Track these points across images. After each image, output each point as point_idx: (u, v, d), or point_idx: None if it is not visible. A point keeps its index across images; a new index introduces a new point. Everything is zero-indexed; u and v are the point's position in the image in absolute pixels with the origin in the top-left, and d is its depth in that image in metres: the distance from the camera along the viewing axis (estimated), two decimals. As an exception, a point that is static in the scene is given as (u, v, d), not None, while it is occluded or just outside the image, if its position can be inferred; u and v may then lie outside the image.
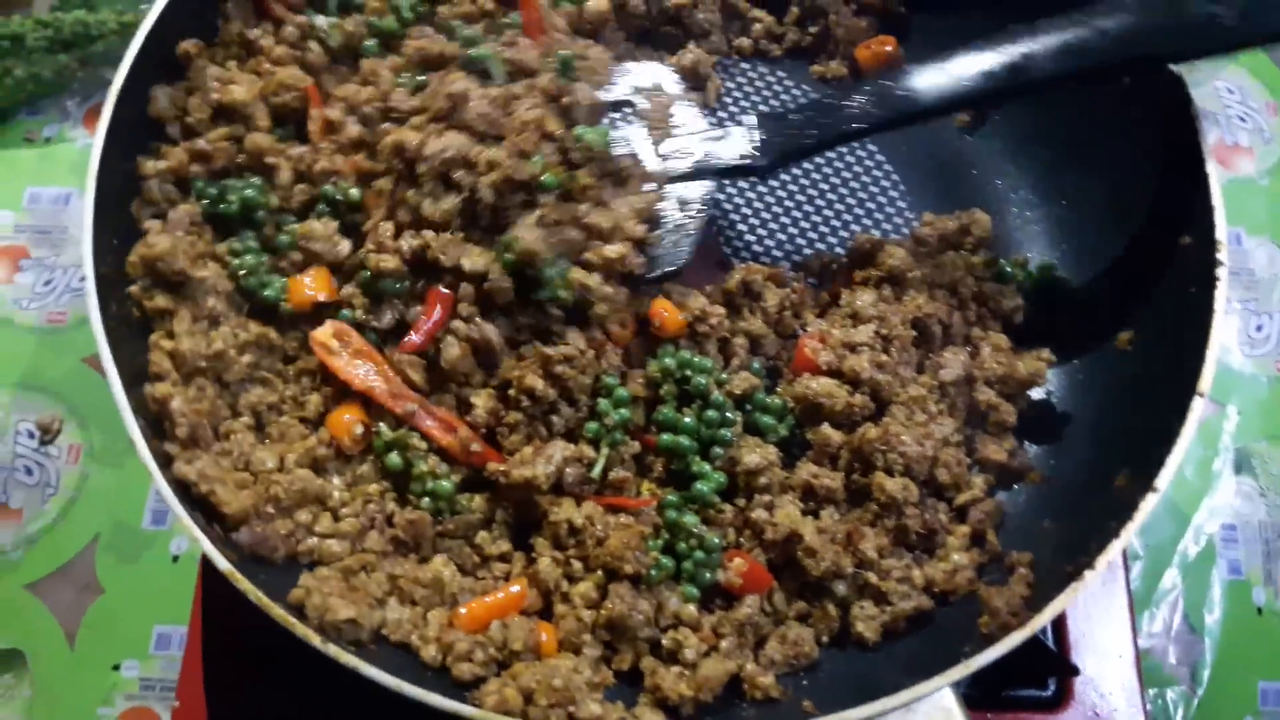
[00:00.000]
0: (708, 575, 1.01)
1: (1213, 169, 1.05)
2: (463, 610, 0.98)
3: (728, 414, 1.08)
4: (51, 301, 1.46)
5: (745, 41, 1.39)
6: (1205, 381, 0.95)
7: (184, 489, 0.96)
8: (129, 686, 1.23)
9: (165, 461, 0.96)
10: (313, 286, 1.10)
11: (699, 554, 1.01)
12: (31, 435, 1.36)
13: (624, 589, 0.99)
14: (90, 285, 0.97)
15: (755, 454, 1.06)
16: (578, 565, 1.02)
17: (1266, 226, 1.56)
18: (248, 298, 1.10)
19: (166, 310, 1.05)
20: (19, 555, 1.30)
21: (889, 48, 1.35)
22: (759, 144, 1.13)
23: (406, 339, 1.06)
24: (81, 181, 1.49)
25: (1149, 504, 0.91)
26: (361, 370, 1.06)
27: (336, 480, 1.05)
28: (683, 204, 1.13)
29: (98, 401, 1.38)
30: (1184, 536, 1.36)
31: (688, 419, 1.07)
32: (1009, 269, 1.19)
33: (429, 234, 1.07)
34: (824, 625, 1.02)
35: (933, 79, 1.09)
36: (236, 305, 1.10)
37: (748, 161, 1.13)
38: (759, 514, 1.04)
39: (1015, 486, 1.11)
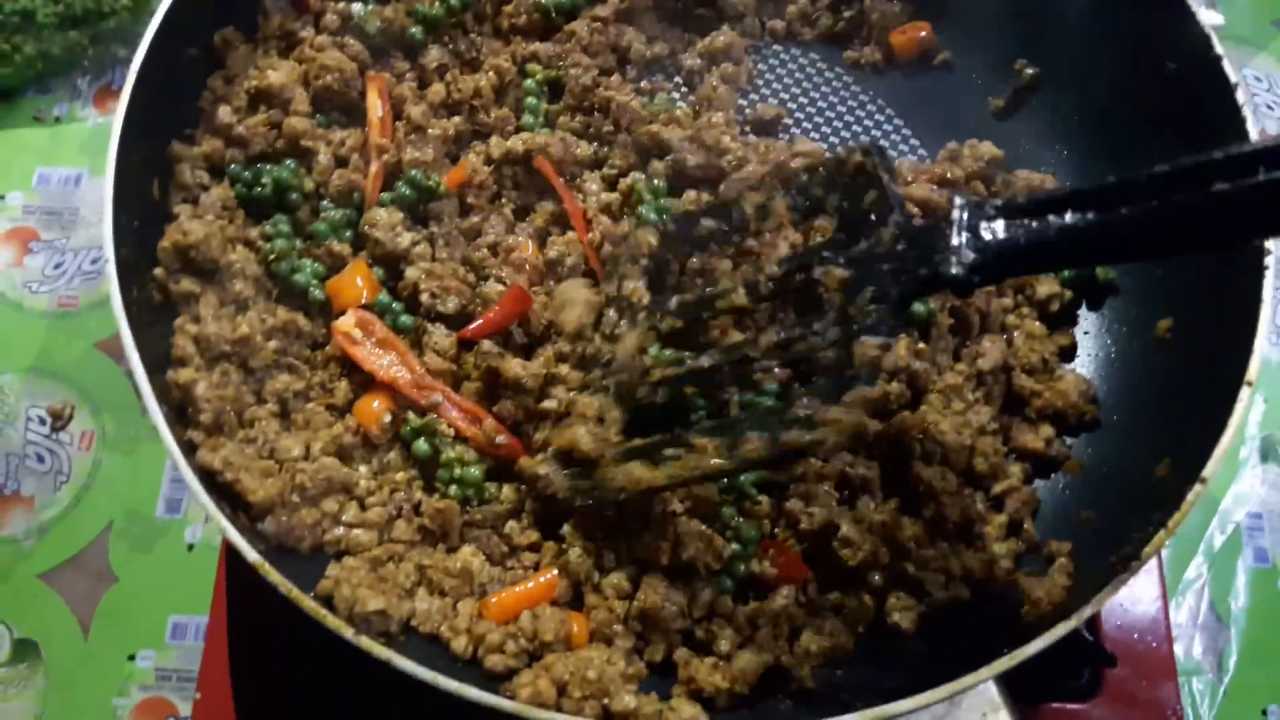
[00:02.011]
0: (742, 567, 1.00)
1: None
2: (493, 600, 0.96)
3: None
4: (62, 285, 1.43)
5: (779, 24, 1.37)
6: (1253, 370, 0.93)
7: (208, 477, 0.94)
8: (144, 677, 1.21)
9: (189, 449, 0.94)
10: (363, 286, 1.08)
11: (735, 546, 1.00)
12: (43, 421, 1.34)
13: (656, 580, 0.97)
14: (111, 269, 0.94)
15: None
16: (609, 555, 1.00)
17: (1293, 213, 1.54)
18: (277, 282, 1.08)
19: (192, 294, 1.04)
20: (31, 544, 1.28)
21: (923, 33, 1.33)
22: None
23: (472, 325, 1.07)
24: (92, 161, 1.51)
25: (1195, 495, 0.89)
26: (385, 360, 1.04)
27: (363, 469, 1.03)
28: None
29: (110, 387, 1.36)
30: (1210, 525, 1.35)
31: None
32: None
33: None
34: (860, 616, 1.00)
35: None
36: (264, 290, 1.08)
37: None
38: (795, 504, 1.03)
39: (1053, 475, 1.10)
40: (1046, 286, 1.16)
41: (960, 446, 1.03)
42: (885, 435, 1.06)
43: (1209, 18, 1.58)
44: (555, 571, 1.00)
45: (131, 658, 1.22)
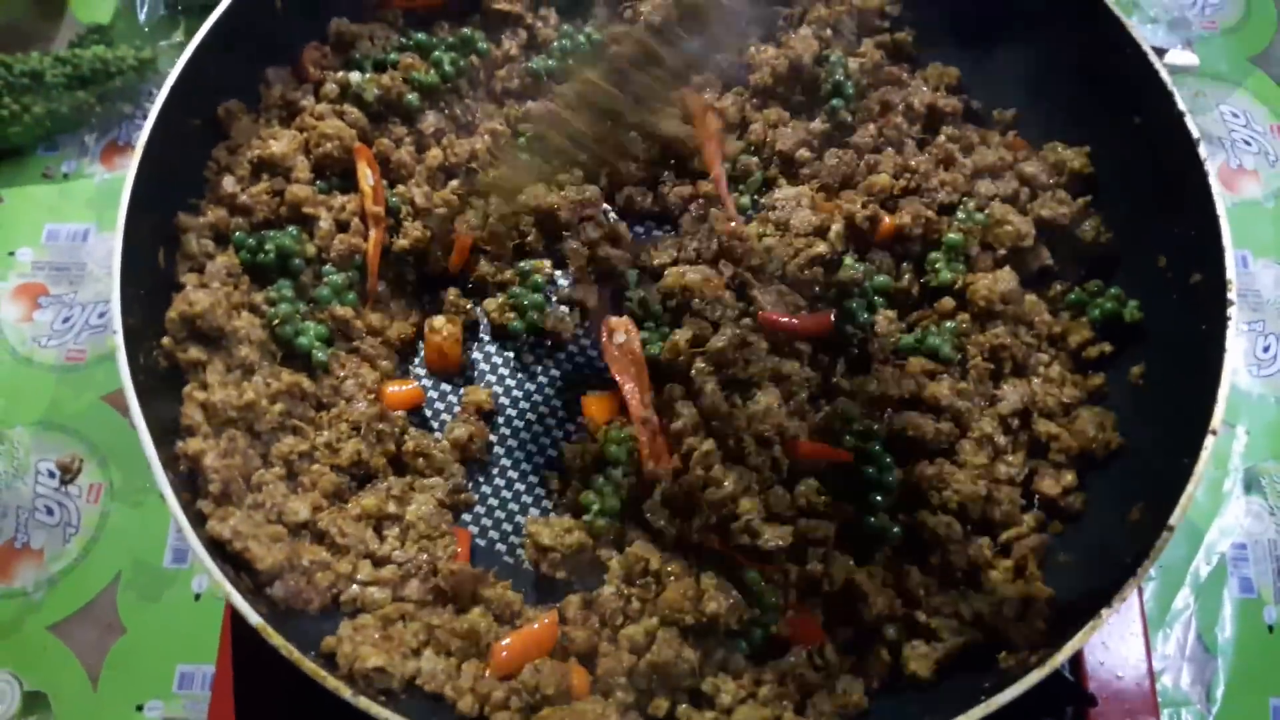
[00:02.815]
0: (760, 633, 1.01)
1: (1222, 209, 1.06)
2: (502, 652, 0.98)
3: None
4: (70, 339, 1.47)
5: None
6: (1217, 420, 0.96)
7: (217, 546, 0.96)
8: (153, 726, 1.24)
9: (199, 519, 0.97)
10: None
11: (755, 610, 1.01)
12: (52, 475, 1.37)
13: (672, 635, 0.98)
14: (119, 339, 0.97)
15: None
16: (636, 605, 1.02)
17: (1272, 248, 1.57)
18: (281, 346, 1.11)
19: (199, 362, 1.06)
20: (41, 596, 1.30)
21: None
22: None
23: None
24: (100, 216, 1.54)
25: (1164, 543, 0.92)
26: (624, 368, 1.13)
27: (392, 532, 1.06)
28: None
29: (118, 440, 1.39)
30: (1196, 556, 1.37)
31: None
32: (1080, 297, 1.19)
33: None
34: (876, 671, 1.01)
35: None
36: (269, 354, 1.11)
37: None
38: (814, 567, 1.03)
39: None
40: (1078, 334, 1.17)
41: (976, 496, 1.05)
42: (905, 482, 1.08)
43: (1184, 58, 1.63)
44: (555, 616, 1.02)
45: (140, 708, 1.24)
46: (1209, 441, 0.94)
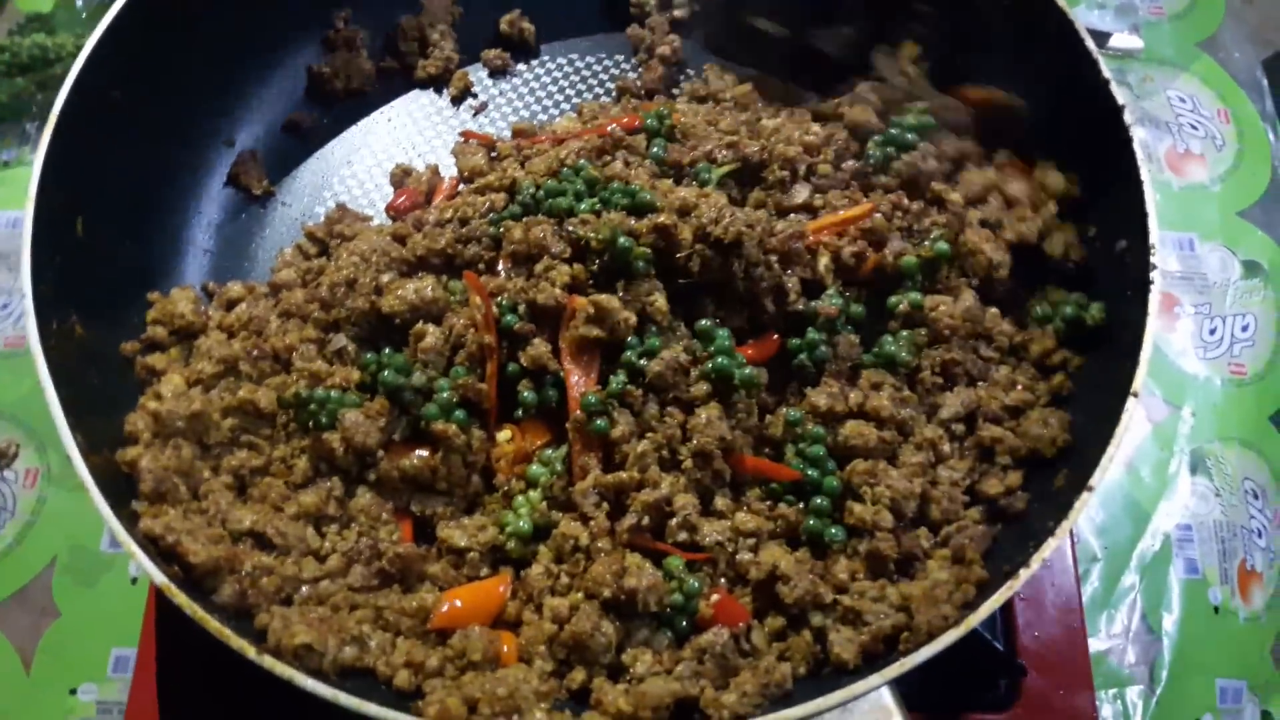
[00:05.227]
0: (684, 623, 0.99)
1: (1145, 173, 1.06)
2: (443, 608, 0.98)
3: None
4: (9, 325, 1.46)
5: None
6: (1138, 382, 0.96)
7: (151, 542, 0.95)
8: (86, 710, 1.23)
9: (132, 519, 0.96)
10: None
11: (677, 597, 0.99)
12: (-12, 460, 1.37)
13: (592, 609, 0.97)
14: (29, 304, 0.97)
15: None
16: (565, 581, 1.01)
17: (1219, 232, 1.58)
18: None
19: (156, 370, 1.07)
20: (-25, 581, 1.29)
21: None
22: None
23: None
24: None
25: (1083, 502, 0.92)
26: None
27: (331, 529, 1.05)
28: None
29: (55, 425, 1.37)
30: (1142, 537, 1.38)
31: None
32: (1045, 312, 1.16)
33: None
34: (801, 655, 0.98)
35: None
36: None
37: None
38: (744, 556, 1.02)
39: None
40: (1040, 344, 1.14)
41: (910, 494, 1.03)
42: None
43: (1128, 42, 1.64)
44: (508, 578, 1.02)
45: (74, 691, 1.24)
46: (1130, 403, 0.94)
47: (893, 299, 1.16)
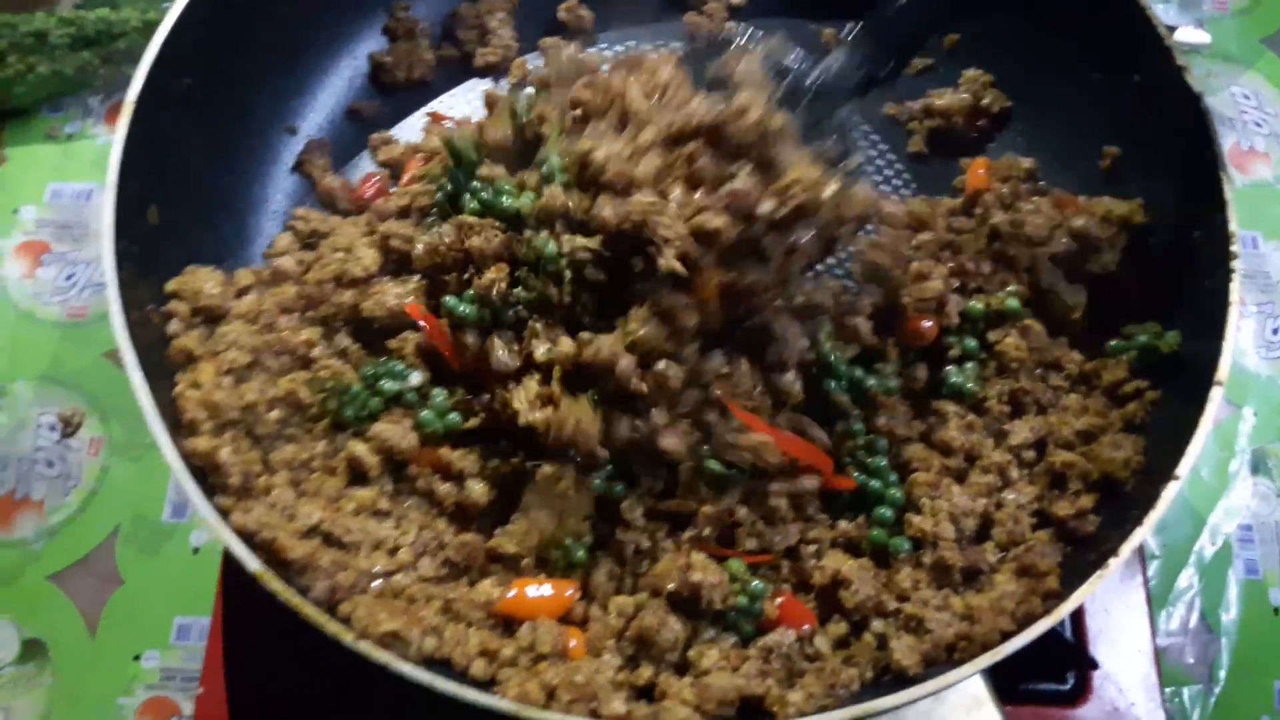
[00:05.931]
0: (749, 627, 0.99)
1: (1227, 164, 1.04)
2: (509, 594, 0.98)
3: None
4: (74, 296, 1.47)
5: None
6: (1223, 370, 0.94)
7: (247, 538, 0.94)
8: (149, 677, 1.24)
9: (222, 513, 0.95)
10: None
11: (742, 599, 0.98)
12: (53, 428, 1.37)
13: (659, 605, 0.97)
14: (112, 291, 0.98)
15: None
16: (629, 582, 1.01)
17: (1283, 229, 1.57)
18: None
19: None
20: (41, 546, 1.30)
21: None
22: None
23: None
24: (103, 177, 1.53)
25: (1170, 492, 0.91)
26: None
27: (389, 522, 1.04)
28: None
29: (118, 395, 1.38)
30: (1200, 537, 1.37)
31: None
32: (1120, 345, 1.14)
33: None
34: (867, 660, 0.97)
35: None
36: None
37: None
38: (809, 562, 1.03)
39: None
40: (1111, 374, 1.12)
41: (970, 511, 1.03)
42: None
43: (1195, 36, 1.63)
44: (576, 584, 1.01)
45: (137, 658, 1.24)
46: (1215, 392, 0.93)
47: (950, 344, 1.15)
